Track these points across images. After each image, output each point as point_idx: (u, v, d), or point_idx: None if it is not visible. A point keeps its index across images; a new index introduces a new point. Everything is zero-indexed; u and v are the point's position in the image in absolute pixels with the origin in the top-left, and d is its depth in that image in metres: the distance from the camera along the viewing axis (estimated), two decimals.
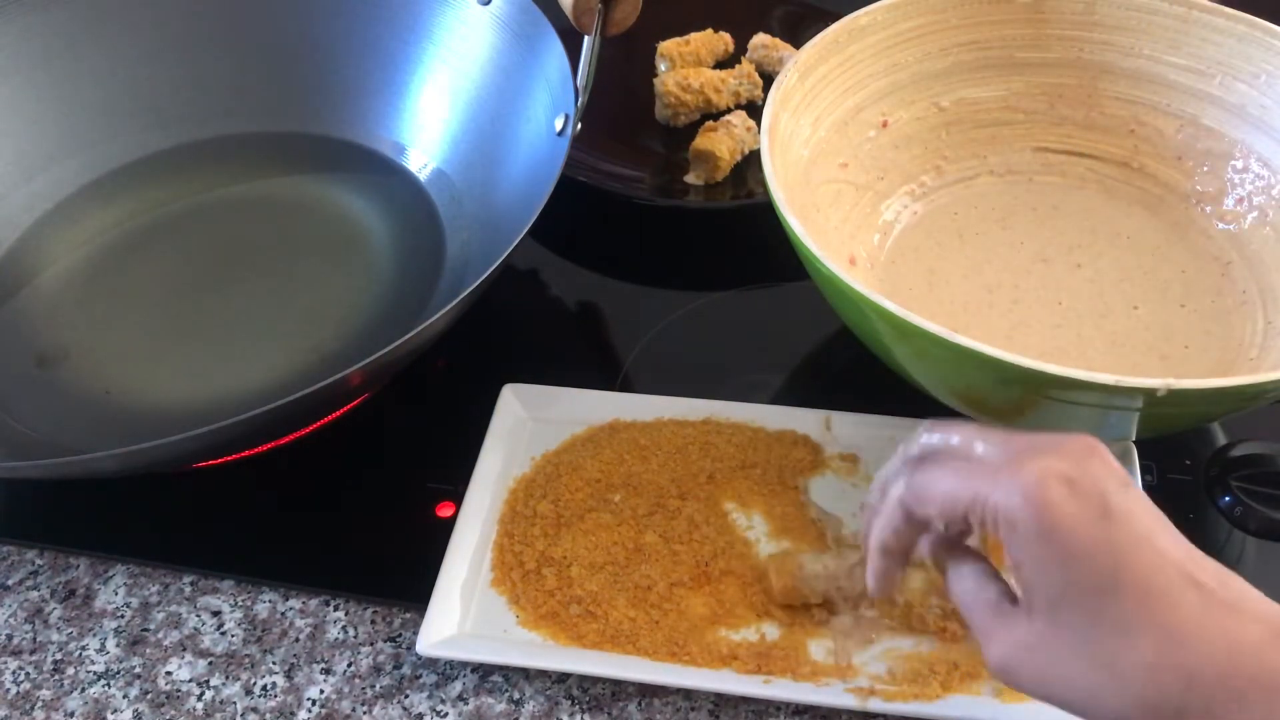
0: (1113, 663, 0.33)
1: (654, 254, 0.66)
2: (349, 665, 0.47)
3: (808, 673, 0.44)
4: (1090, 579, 0.34)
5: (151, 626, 0.49)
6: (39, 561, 0.52)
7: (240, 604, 0.50)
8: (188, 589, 0.51)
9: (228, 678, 0.47)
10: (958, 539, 0.39)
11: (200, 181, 0.67)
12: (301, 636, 0.49)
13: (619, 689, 0.46)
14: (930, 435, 0.39)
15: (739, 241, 0.66)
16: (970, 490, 0.35)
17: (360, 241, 0.63)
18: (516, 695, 0.46)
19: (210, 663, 0.48)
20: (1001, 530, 0.35)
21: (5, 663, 0.48)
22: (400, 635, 0.48)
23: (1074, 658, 0.34)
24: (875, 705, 0.42)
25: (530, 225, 0.50)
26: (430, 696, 0.46)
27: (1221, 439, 0.53)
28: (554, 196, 0.51)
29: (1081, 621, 0.34)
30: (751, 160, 0.68)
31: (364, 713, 0.46)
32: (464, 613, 0.47)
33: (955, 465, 0.37)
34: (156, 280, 0.62)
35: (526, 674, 0.46)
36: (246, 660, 0.48)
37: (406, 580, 0.49)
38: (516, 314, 0.62)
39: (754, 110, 0.71)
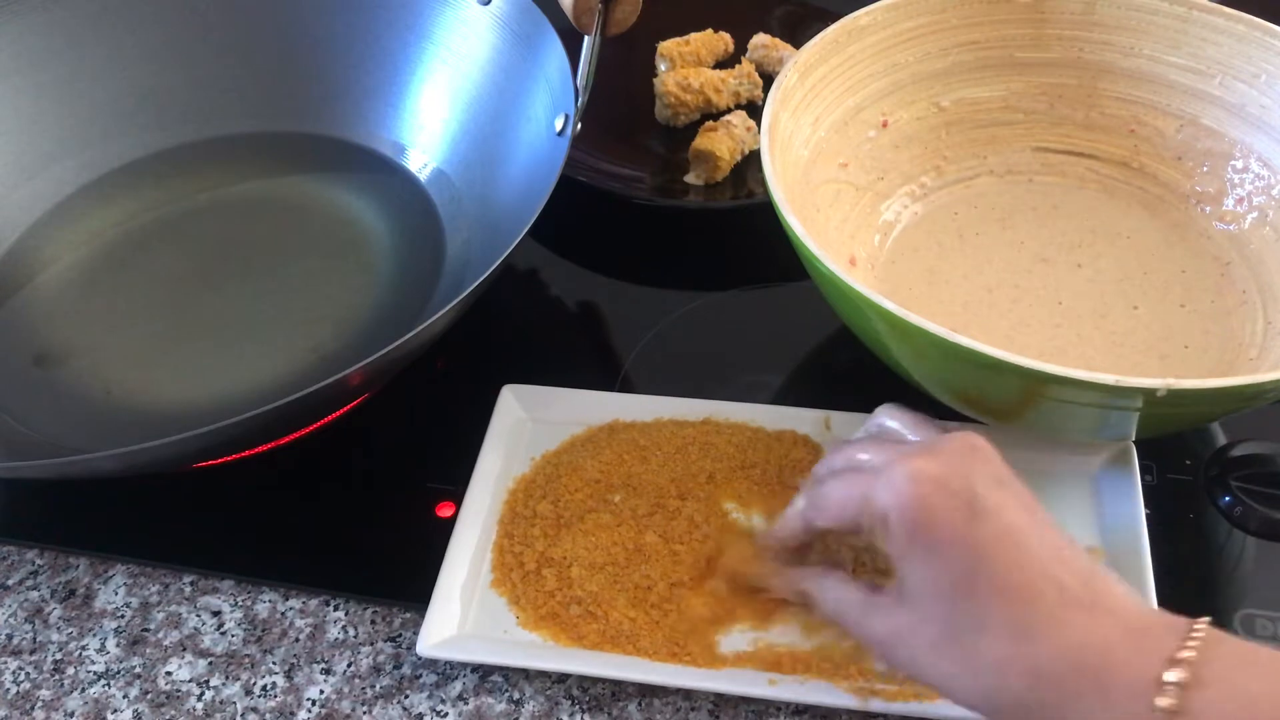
0: (967, 656, 0.35)
1: (654, 254, 0.66)
2: (349, 665, 0.47)
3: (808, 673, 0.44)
4: (951, 575, 0.35)
5: (151, 626, 0.49)
6: (39, 561, 0.52)
7: (240, 604, 0.50)
8: (188, 589, 0.51)
9: (228, 678, 0.47)
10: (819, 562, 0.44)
11: (200, 181, 0.67)
12: (301, 636, 0.49)
13: (619, 689, 0.46)
14: (833, 457, 0.42)
15: (739, 241, 0.66)
16: (858, 494, 0.38)
17: (360, 241, 0.63)
18: (516, 695, 0.46)
19: (210, 663, 0.48)
20: (881, 527, 0.37)
21: (5, 663, 0.48)
22: (400, 635, 0.48)
23: (936, 646, 0.36)
24: (875, 705, 0.42)
25: (530, 225, 0.50)
26: (430, 697, 0.46)
27: (1221, 439, 0.53)
28: (554, 196, 0.51)
29: (943, 614, 0.35)
30: (751, 160, 0.68)
31: (364, 713, 0.46)
32: (464, 613, 0.47)
33: (847, 475, 0.39)
34: (156, 280, 0.62)
35: (526, 674, 0.46)
36: (246, 660, 0.48)
37: (406, 580, 0.49)
38: (516, 314, 0.62)
39: (754, 110, 0.71)
